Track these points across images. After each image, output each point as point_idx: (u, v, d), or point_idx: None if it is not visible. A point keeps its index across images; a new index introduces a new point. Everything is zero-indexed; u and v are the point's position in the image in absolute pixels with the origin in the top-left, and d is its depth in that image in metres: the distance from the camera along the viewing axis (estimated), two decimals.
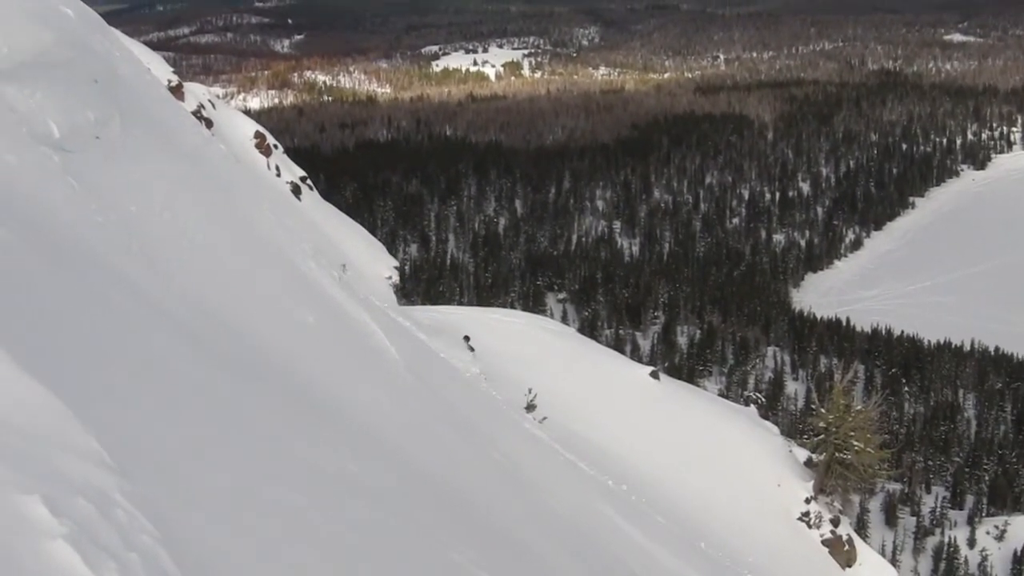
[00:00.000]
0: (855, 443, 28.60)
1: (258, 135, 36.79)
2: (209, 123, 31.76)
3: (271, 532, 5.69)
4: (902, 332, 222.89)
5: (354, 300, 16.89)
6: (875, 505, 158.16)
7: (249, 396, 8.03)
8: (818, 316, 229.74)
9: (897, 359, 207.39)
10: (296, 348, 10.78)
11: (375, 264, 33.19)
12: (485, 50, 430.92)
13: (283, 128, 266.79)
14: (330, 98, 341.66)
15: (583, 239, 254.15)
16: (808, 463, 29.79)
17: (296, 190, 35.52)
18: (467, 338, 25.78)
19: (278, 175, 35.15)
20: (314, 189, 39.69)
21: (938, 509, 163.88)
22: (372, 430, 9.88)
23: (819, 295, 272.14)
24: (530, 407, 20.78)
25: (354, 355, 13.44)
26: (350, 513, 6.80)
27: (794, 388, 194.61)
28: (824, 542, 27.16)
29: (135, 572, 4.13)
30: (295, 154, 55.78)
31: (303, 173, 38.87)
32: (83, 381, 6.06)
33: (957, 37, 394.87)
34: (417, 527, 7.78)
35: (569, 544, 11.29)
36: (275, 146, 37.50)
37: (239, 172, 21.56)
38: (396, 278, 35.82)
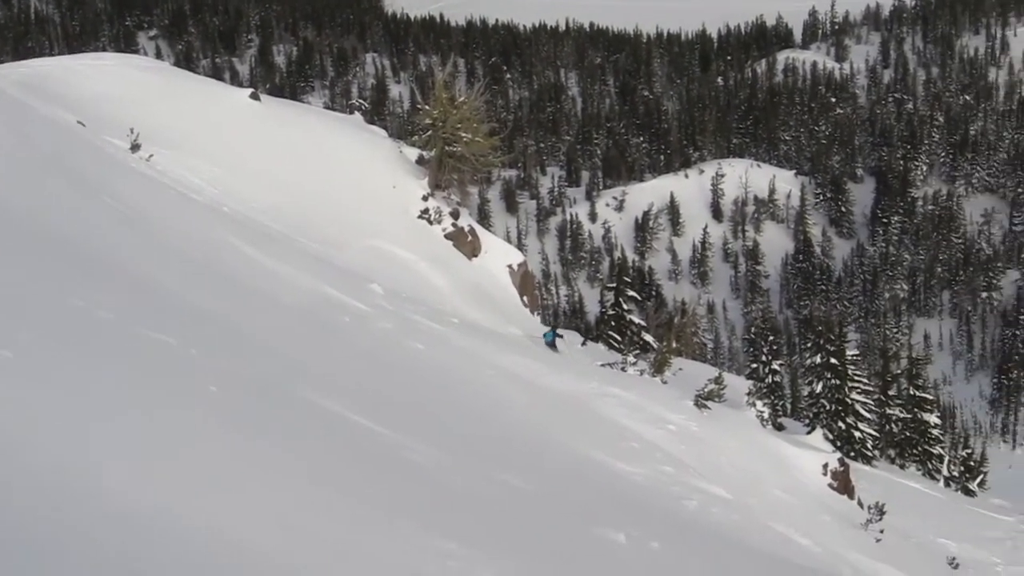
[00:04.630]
0: (463, 135, 29.65)
1: None
2: None
3: None
4: (497, 20, 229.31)
5: None
6: (494, 194, 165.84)
7: None
8: (412, 16, 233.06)
9: (496, 48, 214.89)
10: None
11: None
12: None
13: None
14: None
15: None
16: (420, 161, 30.75)
17: None
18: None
19: None
20: None
21: (556, 189, 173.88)
22: None
23: None
24: (135, 147, 20.36)
25: None
26: None
27: (398, 91, 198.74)
28: (447, 236, 28.43)
29: None
30: None
31: None
32: None
33: None
34: (28, 276, 7.75)
35: (194, 275, 11.45)
36: None
37: None
38: None
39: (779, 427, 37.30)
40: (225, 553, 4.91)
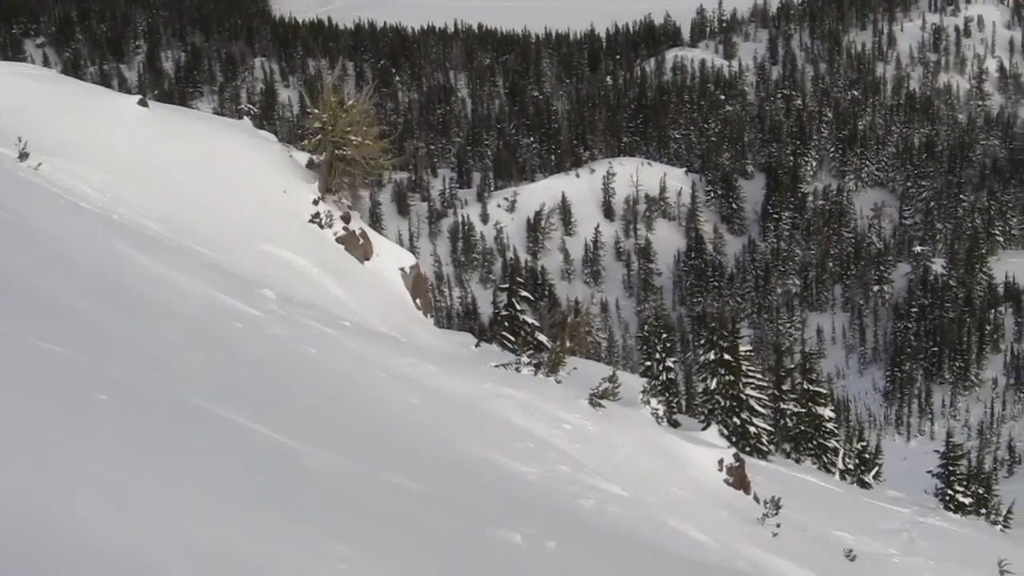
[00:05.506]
0: (353, 138, 29.64)
1: None
2: None
3: None
4: (385, 23, 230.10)
5: None
6: (385, 197, 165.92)
7: None
8: (300, 20, 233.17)
9: (384, 51, 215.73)
10: None
11: None
12: None
13: None
14: None
15: None
16: (310, 165, 30.69)
17: None
18: None
19: None
20: None
21: (447, 191, 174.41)
22: None
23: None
24: (23, 155, 20.05)
25: None
26: None
27: (287, 95, 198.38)
28: (338, 240, 28.41)
29: None
30: None
31: None
32: None
33: None
34: None
35: (83, 282, 11.37)
36: None
37: None
38: None
39: (674, 424, 37.80)
40: (125, 565, 4.95)
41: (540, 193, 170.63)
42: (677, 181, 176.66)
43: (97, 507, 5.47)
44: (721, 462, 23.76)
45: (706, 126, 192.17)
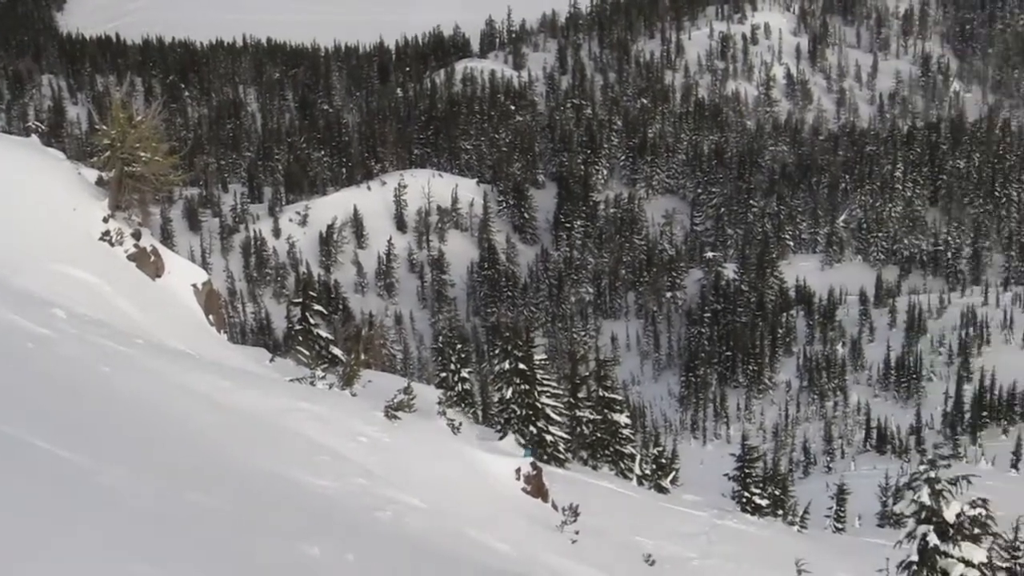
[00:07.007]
0: (142, 154, 29.20)
1: None
2: None
3: None
4: (173, 38, 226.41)
5: None
6: (176, 213, 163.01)
7: None
8: (87, 36, 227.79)
9: (173, 66, 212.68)
10: None
11: None
12: None
13: None
14: None
15: None
16: (99, 182, 30.09)
17: None
18: None
19: None
20: None
21: (239, 206, 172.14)
22: None
23: (86, 15, 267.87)
24: None
25: None
26: None
27: (75, 112, 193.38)
28: (130, 257, 27.93)
29: None
30: None
31: None
32: None
33: None
34: None
35: None
36: None
37: None
38: None
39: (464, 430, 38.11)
40: None
41: (332, 207, 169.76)
42: (469, 192, 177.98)
43: None
44: (519, 471, 24.19)
45: (497, 136, 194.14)
